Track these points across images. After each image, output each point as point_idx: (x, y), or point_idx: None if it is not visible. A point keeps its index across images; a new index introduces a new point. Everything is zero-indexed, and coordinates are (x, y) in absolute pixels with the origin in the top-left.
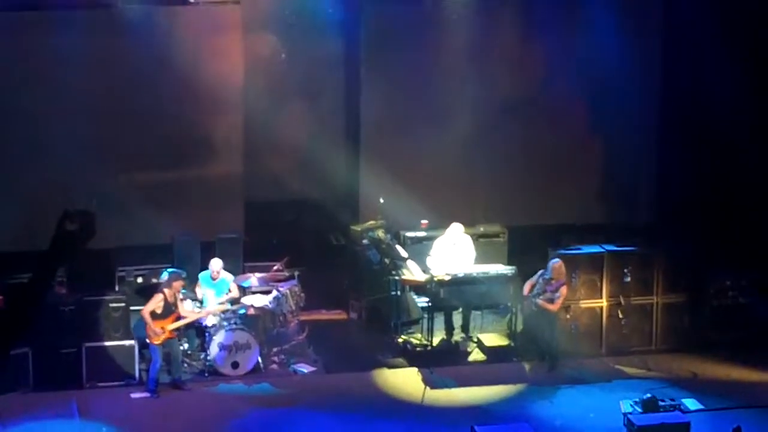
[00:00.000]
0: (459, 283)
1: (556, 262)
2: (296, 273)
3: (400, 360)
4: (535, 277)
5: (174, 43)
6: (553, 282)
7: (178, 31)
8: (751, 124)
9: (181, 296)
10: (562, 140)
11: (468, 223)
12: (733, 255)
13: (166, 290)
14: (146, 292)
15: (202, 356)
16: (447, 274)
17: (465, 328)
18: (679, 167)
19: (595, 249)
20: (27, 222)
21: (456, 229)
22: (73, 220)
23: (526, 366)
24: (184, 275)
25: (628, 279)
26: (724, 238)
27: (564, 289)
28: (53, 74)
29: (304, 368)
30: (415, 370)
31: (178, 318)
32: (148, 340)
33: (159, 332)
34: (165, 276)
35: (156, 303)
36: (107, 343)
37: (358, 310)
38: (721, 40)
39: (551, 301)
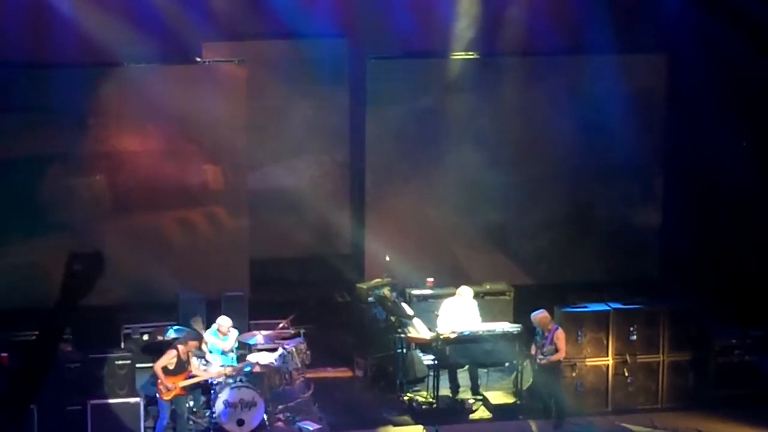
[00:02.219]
0: (465, 341)
1: (536, 315)
2: (302, 331)
3: (406, 418)
4: (535, 338)
5: (179, 100)
6: (546, 335)
7: (184, 88)
8: (755, 179)
9: (194, 355)
10: (567, 198)
11: (473, 282)
12: (738, 312)
13: (180, 347)
14: (152, 349)
15: (208, 414)
16: (453, 332)
17: (474, 387)
18: (683, 224)
19: (601, 307)
20: (31, 279)
21: (465, 292)
22: (79, 261)
23: (532, 424)
24: (193, 335)
25: (635, 337)
26: (729, 295)
27: (559, 334)
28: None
29: (310, 426)
30: (420, 428)
31: (190, 376)
32: (158, 395)
33: (171, 388)
34: (171, 333)
35: (169, 359)
36: (112, 401)
37: (363, 367)
38: (723, 96)
39: (553, 353)
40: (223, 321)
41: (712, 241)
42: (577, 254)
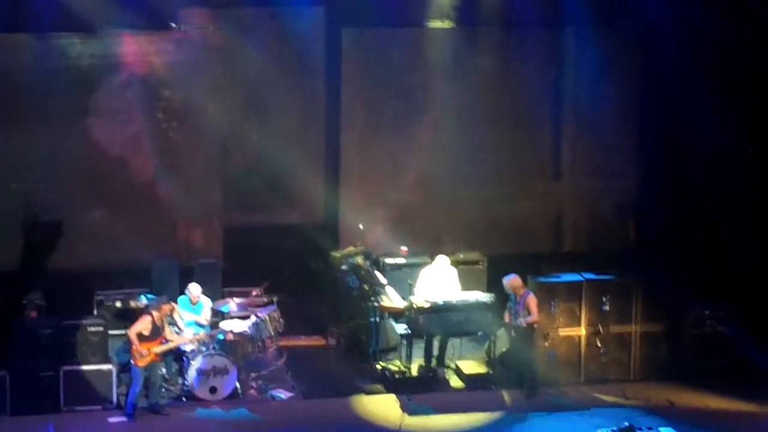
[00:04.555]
0: (438, 311)
1: (508, 280)
2: (275, 299)
3: (379, 387)
4: (508, 304)
5: (154, 67)
6: (518, 300)
7: (160, 55)
8: (732, 153)
9: (167, 321)
10: (543, 168)
11: (447, 251)
12: (711, 284)
13: (154, 313)
14: (125, 316)
15: (180, 381)
16: (426, 301)
17: (441, 357)
18: (658, 197)
19: (574, 277)
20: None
21: (442, 261)
22: (37, 231)
23: (505, 394)
24: (165, 300)
25: (607, 308)
26: (702, 267)
27: (531, 298)
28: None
29: (282, 394)
30: (393, 396)
31: (164, 342)
32: (132, 362)
33: (144, 354)
34: (143, 300)
35: (144, 325)
36: (85, 367)
37: (336, 336)
38: (699, 68)
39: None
40: (193, 288)
41: (686, 213)
42: (550, 225)
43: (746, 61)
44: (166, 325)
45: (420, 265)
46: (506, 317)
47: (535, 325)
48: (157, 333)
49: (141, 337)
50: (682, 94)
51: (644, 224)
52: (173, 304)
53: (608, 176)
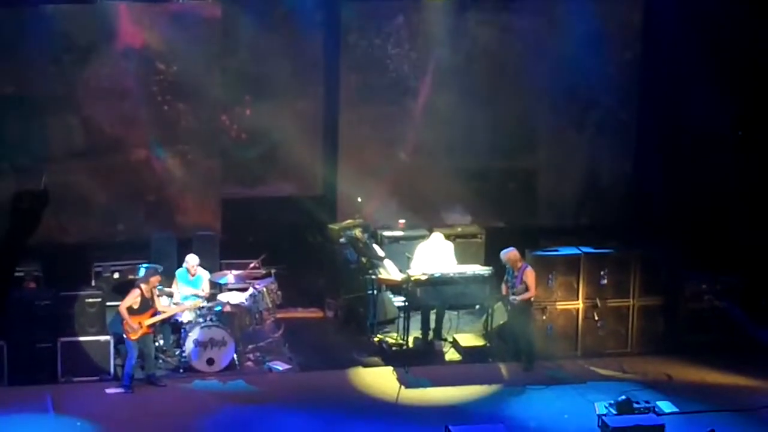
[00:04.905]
0: (436, 283)
1: (506, 253)
2: (273, 271)
3: (376, 359)
4: (505, 276)
5: (152, 38)
6: (516, 273)
7: (158, 26)
8: (728, 128)
9: (157, 292)
10: (540, 142)
11: (445, 225)
12: (708, 259)
13: (142, 285)
14: (122, 288)
15: (178, 352)
16: (424, 274)
17: (438, 331)
18: (656, 170)
19: (572, 251)
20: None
21: (437, 236)
22: (24, 200)
23: (502, 366)
24: (160, 270)
25: (605, 281)
26: (700, 241)
27: (529, 272)
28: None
29: (279, 366)
30: (390, 369)
31: (155, 313)
32: (124, 336)
33: (136, 327)
34: (141, 272)
35: (133, 298)
36: (82, 339)
37: (334, 308)
38: (699, 46)
39: (524, 292)
40: (191, 259)
41: (684, 186)
42: (549, 198)
43: (744, 34)
44: (155, 297)
45: (418, 238)
46: (503, 289)
47: (532, 300)
48: (147, 306)
49: (131, 310)
50: (681, 67)
51: (643, 198)
52: (158, 276)
53: (606, 149)
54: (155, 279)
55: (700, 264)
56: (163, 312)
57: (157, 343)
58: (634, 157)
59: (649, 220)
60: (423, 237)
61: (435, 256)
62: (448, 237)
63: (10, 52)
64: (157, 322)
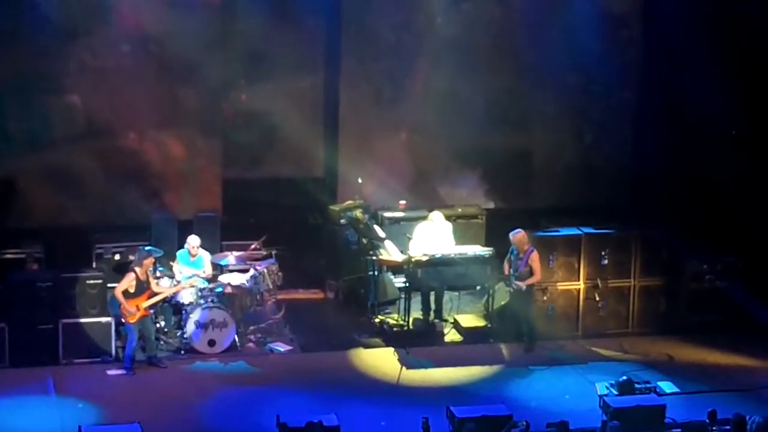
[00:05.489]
0: (436, 264)
1: (516, 233)
2: (274, 252)
3: (377, 340)
4: (508, 255)
5: (154, 20)
6: (521, 255)
7: (159, 8)
8: (729, 107)
9: (158, 274)
10: (541, 124)
11: (446, 205)
12: (709, 239)
13: (137, 269)
14: (123, 270)
15: (179, 334)
16: (424, 255)
17: (438, 312)
18: (657, 150)
19: (573, 231)
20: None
21: (437, 217)
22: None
23: (503, 347)
24: (156, 254)
25: (606, 262)
26: (701, 221)
27: (534, 256)
28: None
29: (281, 347)
30: (391, 350)
31: (152, 295)
32: (122, 319)
33: (133, 311)
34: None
35: (128, 282)
36: (84, 320)
37: (335, 289)
38: (699, 26)
39: (527, 276)
40: (192, 239)
41: (684, 166)
42: (549, 179)
43: (745, 15)
44: (151, 279)
45: (418, 219)
46: (505, 268)
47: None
48: (142, 288)
49: (127, 294)
50: (681, 46)
51: (644, 178)
52: (152, 257)
53: (606, 130)
54: (149, 261)
55: (701, 244)
56: (160, 293)
57: (158, 325)
58: (633, 136)
59: (648, 200)
60: (423, 218)
61: (434, 236)
62: (448, 218)
63: (11, 35)
64: (154, 303)
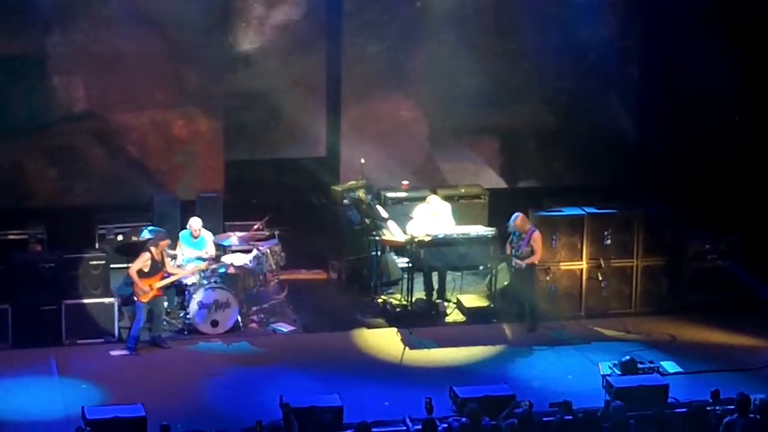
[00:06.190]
0: (439, 244)
1: (514, 219)
2: (276, 232)
3: (380, 320)
4: (510, 237)
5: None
6: (523, 236)
7: None
8: (730, 86)
9: (167, 255)
10: (543, 103)
11: (449, 185)
12: (712, 218)
13: (152, 248)
14: (126, 250)
15: (182, 314)
16: (427, 235)
17: (441, 292)
18: (658, 129)
19: (575, 211)
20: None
21: (434, 200)
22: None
23: (506, 328)
24: (163, 235)
25: (609, 242)
26: (703, 201)
27: (536, 236)
28: None
29: (284, 327)
30: (394, 330)
31: (165, 276)
32: (135, 298)
33: (147, 290)
34: (145, 234)
35: (143, 261)
36: (87, 301)
37: (338, 270)
38: (700, 4)
39: (528, 256)
40: (194, 222)
41: (689, 147)
42: (553, 158)
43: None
44: (166, 259)
45: (421, 199)
46: (507, 249)
47: (536, 262)
48: (157, 268)
49: (141, 273)
50: (685, 24)
51: (646, 157)
52: (168, 240)
53: (608, 110)
54: (164, 242)
55: (704, 223)
56: (174, 274)
57: (163, 305)
58: (638, 117)
59: (652, 179)
60: (426, 198)
61: (433, 217)
62: (450, 198)
63: (13, 14)
64: (167, 284)
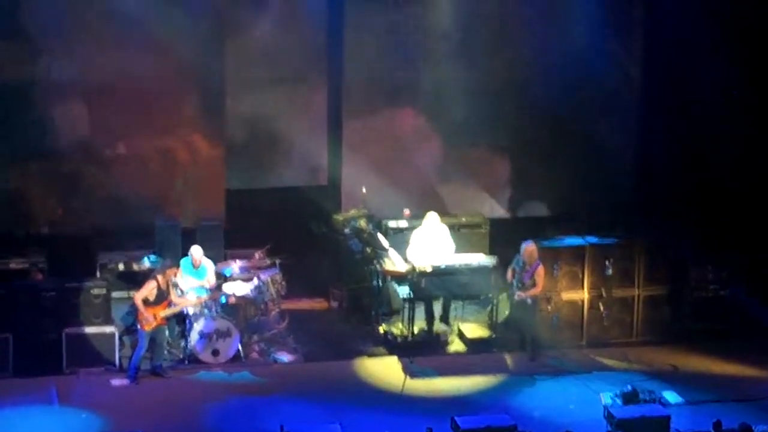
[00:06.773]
0: (440, 274)
1: (527, 245)
2: (278, 261)
3: (381, 349)
4: (513, 263)
5: (156, 25)
6: (527, 268)
7: (162, 12)
8: (733, 113)
9: (173, 284)
10: (544, 130)
11: (450, 214)
12: (714, 247)
13: (159, 277)
14: (127, 279)
15: (183, 344)
16: (429, 265)
17: (445, 317)
18: (660, 157)
19: (577, 241)
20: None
21: (432, 218)
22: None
23: (507, 357)
24: (169, 264)
25: (610, 272)
26: (705, 229)
27: (540, 270)
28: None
29: (284, 357)
30: (395, 359)
31: (170, 305)
32: (138, 327)
33: (151, 319)
34: (146, 263)
35: (149, 290)
36: (88, 330)
37: (339, 299)
38: (704, 27)
39: (531, 287)
40: (195, 251)
41: (690, 175)
42: (553, 186)
43: (751, 7)
44: (171, 289)
45: None
46: (509, 274)
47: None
48: (162, 297)
49: (146, 302)
50: (688, 48)
51: (647, 185)
52: (176, 268)
53: (610, 137)
54: (171, 271)
55: (706, 252)
56: (178, 304)
57: (165, 334)
58: (639, 145)
59: (654, 208)
60: (426, 214)
61: (431, 240)
62: (452, 227)
63: (16, 41)
64: (171, 314)
